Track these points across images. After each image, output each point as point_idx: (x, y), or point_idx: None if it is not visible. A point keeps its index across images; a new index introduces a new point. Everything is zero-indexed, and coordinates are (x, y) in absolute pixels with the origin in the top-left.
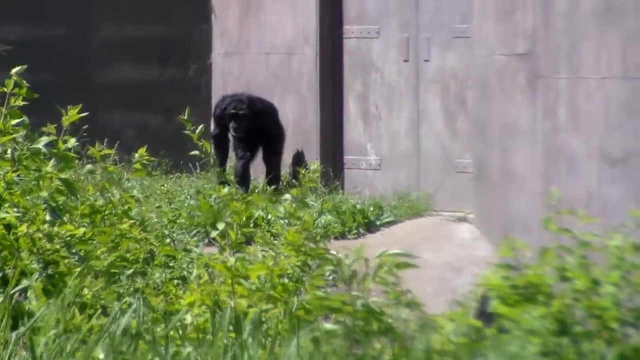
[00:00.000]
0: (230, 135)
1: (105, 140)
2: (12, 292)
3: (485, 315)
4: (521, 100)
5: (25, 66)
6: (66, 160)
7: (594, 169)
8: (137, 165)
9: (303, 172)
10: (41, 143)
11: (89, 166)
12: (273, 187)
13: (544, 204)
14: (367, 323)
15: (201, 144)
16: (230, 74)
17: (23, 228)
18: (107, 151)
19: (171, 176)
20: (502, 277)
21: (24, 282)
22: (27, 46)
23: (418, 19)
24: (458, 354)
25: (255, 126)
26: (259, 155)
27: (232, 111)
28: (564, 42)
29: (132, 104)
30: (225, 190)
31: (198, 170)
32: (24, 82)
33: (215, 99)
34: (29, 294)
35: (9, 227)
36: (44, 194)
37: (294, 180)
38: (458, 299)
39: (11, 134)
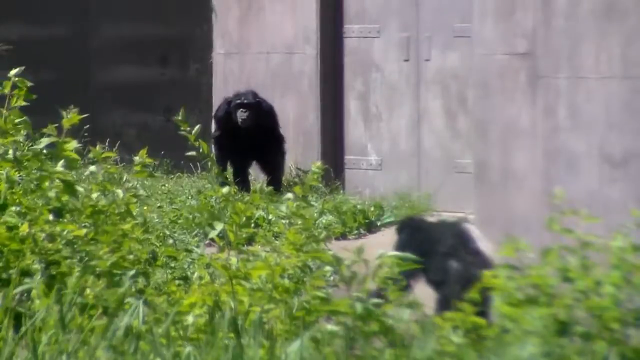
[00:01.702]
0: (231, 137)
1: (107, 140)
2: (14, 292)
3: (487, 315)
4: (521, 100)
5: (23, 67)
6: (70, 161)
7: (595, 169)
8: (139, 167)
9: (304, 171)
10: (42, 144)
11: (92, 167)
12: (271, 187)
13: (545, 204)
14: (367, 324)
15: (198, 144)
16: (231, 74)
17: (25, 228)
18: (109, 153)
19: (172, 176)
20: (504, 277)
21: (26, 282)
22: (28, 46)
23: (419, 19)
24: (459, 355)
25: (258, 124)
26: (260, 157)
27: (238, 101)
28: (564, 42)
29: (132, 104)
30: (225, 190)
31: (199, 170)
32: (26, 82)
33: (216, 99)
34: (31, 294)
35: (11, 227)
36: (52, 194)
37: (296, 179)
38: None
39: (12, 134)
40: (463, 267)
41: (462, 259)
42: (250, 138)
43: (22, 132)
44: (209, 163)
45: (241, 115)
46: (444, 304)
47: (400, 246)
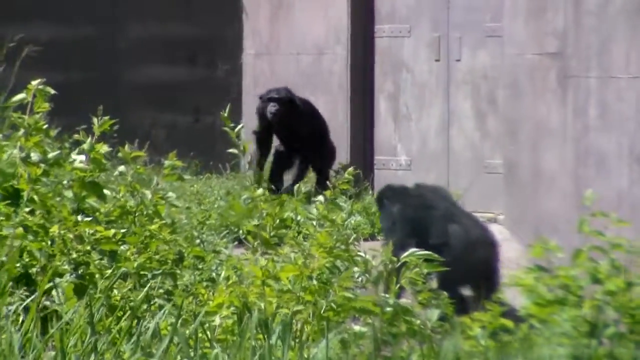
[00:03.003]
0: (268, 133)
1: (136, 140)
2: (42, 293)
3: (515, 316)
4: (551, 99)
5: (44, 79)
6: (97, 163)
7: (625, 169)
8: (168, 170)
9: (334, 170)
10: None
11: (121, 168)
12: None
13: (575, 204)
14: (395, 325)
15: (240, 142)
16: (261, 74)
17: (55, 229)
18: (137, 153)
19: (201, 177)
20: (533, 278)
21: (54, 283)
22: (57, 46)
23: (449, 18)
24: (487, 356)
25: (292, 120)
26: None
27: (269, 96)
28: (595, 41)
29: (161, 104)
30: (260, 191)
31: (228, 171)
32: (49, 88)
33: (246, 99)
34: (58, 295)
35: (35, 230)
36: (69, 193)
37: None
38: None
39: (35, 137)
40: (463, 229)
41: (460, 221)
42: (287, 135)
43: (51, 134)
44: (241, 162)
45: (271, 109)
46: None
47: (396, 215)
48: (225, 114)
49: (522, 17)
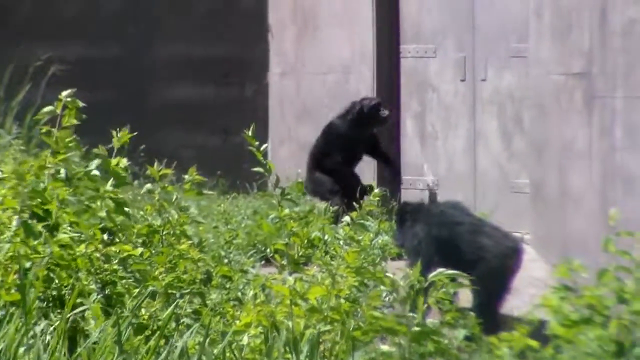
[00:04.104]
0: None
1: (164, 160)
2: (69, 312)
3: (543, 336)
4: (577, 120)
5: (75, 89)
6: (118, 178)
7: None
8: (187, 186)
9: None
10: (93, 165)
11: (148, 185)
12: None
13: (602, 224)
14: (422, 344)
15: (265, 162)
16: (286, 94)
17: (81, 248)
18: (166, 171)
19: (228, 196)
20: (559, 298)
21: (83, 303)
22: (85, 66)
23: (474, 38)
24: None
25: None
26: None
27: (373, 102)
28: (621, 61)
29: (189, 124)
30: (287, 211)
31: (255, 190)
32: (78, 102)
33: (272, 119)
34: (86, 314)
35: (65, 247)
36: (102, 213)
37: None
38: (515, 321)
39: (63, 153)
40: (494, 242)
41: (489, 235)
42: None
43: (76, 151)
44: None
45: (384, 112)
46: (487, 279)
47: (421, 234)
48: (250, 133)
49: (547, 38)
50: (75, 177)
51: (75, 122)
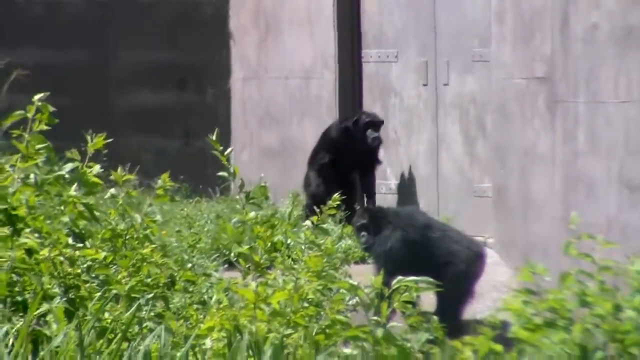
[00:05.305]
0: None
1: (126, 165)
2: (32, 316)
3: (505, 340)
4: (540, 124)
5: (48, 93)
6: (91, 186)
7: (614, 194)
8: (160, 191)
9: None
10: (66, 169)
11: (112, 190)
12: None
13: (564, 229)
14: (386, 348)
15: (230, 166)
16: (249, 99)
17: (45, 252)
18: (129, 176)
19: (190, 200)
20: (522, 301)
21: (45, 306)
22: (45, 71)
23: (437, 43)
24: None
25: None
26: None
27: (368, 119)
28: (583, 66)
29: (150, 129)
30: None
31: (217, 195)
32: (49, 106)
33: (235, 124)
34: (49, 318)
35: (29, 251)
36: (65, 218)
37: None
38: (478, 324)
39: (34, 159)
40: (460, 247)
41: (456, 240)
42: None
43: (42, 156)
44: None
45: (370, 133)
46: (454, 283)
47: (394, 240)
48: (214, 138)
49: (510, 42)
50: (45, 182)
51: (45, 127)
